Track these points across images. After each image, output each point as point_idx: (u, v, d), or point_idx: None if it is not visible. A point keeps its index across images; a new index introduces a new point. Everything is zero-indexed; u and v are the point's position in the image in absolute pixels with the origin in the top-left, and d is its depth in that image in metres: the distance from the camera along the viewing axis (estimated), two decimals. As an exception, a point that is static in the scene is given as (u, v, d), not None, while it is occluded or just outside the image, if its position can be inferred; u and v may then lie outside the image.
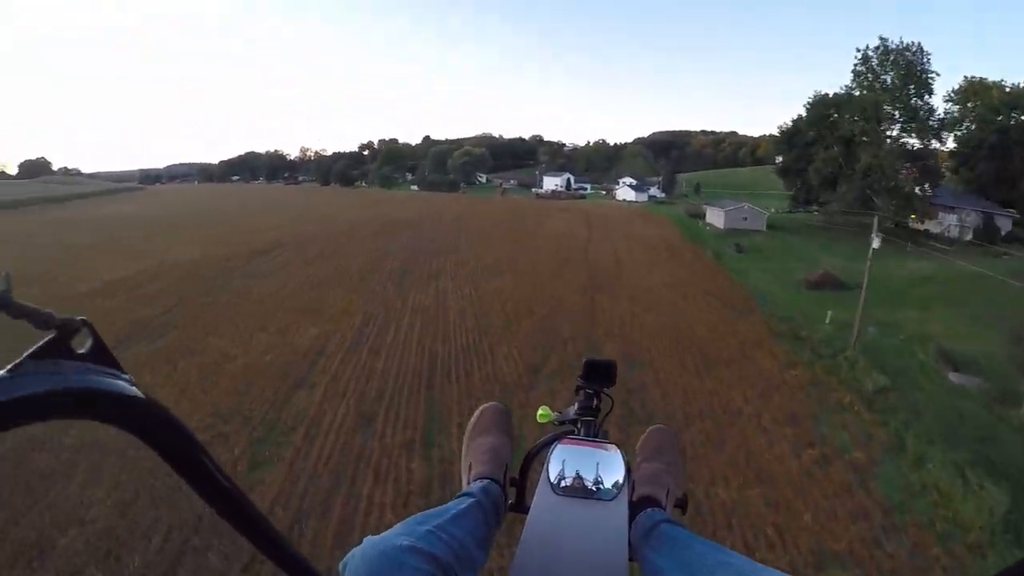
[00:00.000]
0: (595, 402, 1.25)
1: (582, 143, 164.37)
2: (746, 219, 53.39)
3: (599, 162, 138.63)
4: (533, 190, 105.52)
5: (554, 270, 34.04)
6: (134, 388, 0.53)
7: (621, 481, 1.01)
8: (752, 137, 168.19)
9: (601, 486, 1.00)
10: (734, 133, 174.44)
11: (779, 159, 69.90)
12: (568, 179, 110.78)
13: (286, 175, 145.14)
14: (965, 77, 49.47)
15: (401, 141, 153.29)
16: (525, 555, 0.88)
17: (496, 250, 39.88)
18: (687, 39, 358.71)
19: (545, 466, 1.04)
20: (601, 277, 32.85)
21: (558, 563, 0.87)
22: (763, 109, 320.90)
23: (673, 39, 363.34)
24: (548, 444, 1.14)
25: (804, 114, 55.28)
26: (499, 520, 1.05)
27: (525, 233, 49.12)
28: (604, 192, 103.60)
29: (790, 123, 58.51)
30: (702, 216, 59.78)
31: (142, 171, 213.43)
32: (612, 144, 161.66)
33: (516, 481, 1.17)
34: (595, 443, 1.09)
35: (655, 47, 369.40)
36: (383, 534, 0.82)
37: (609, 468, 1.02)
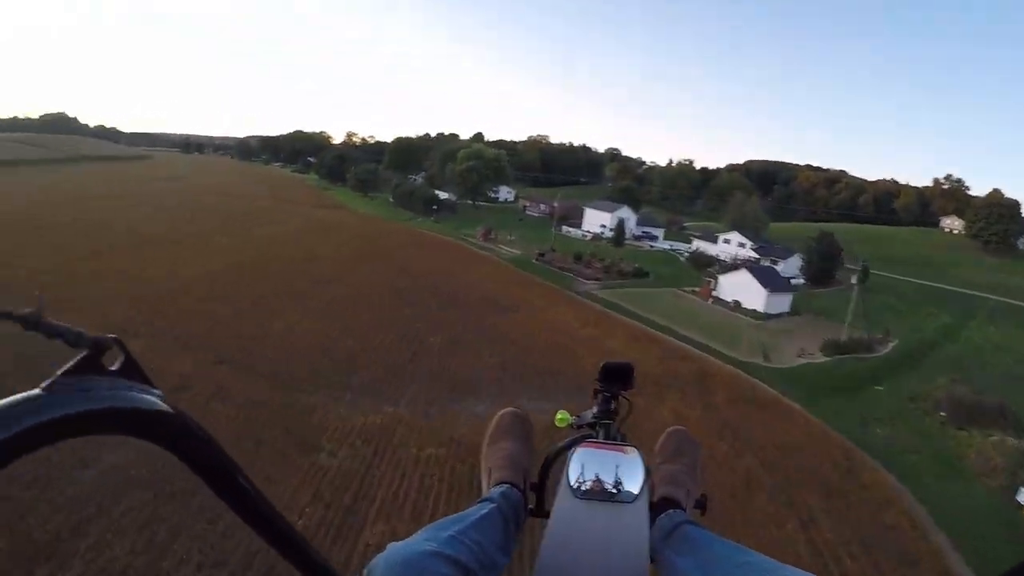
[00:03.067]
0: (613, 405, 1.26)
1: (663, 163, 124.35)
2: None
3: (681, 188, 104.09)
4: (565, 229, 63.32)
5: None
6: (163, 403, 0.54)
7: (641, 483, 1.00)
8: (867, 180, 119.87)
9: (621, 488, 0.98)
10: (845, 173, 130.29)
11: None
12: (620, 221, 62.10)
13: (306, 159, 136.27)
14: None
15: (463, 137, 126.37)
16: (547, 558, 0.87)
17: None
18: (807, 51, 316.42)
19: (565, 470, 1.03)
20: None
21: (580, 565, 0.87)
22: (884, 145, 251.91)
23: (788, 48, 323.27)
24: (567, 448, 1.13)
25: None
26: (519, 525, 1.06)
27: None
28: (686, 254, 55.32)
29: None
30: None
31: (185, 137, 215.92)
32: (699, 168, 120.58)
33: (535, 486, 1.18)
34: (614, 445, 1.09)
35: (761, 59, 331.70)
36: (406, 540, 0.83)
37: (629, 470, 1.01)
